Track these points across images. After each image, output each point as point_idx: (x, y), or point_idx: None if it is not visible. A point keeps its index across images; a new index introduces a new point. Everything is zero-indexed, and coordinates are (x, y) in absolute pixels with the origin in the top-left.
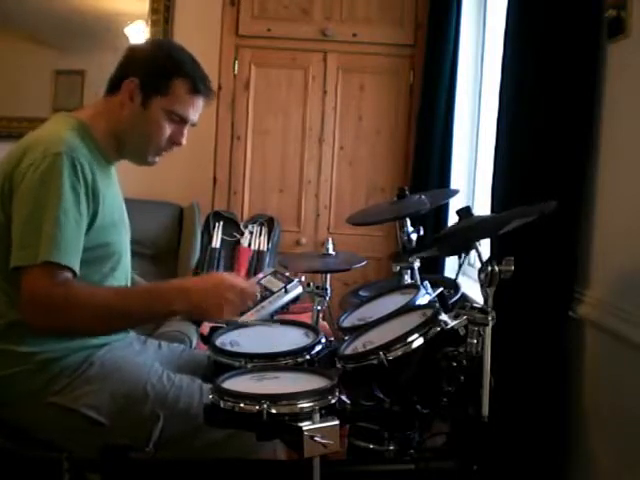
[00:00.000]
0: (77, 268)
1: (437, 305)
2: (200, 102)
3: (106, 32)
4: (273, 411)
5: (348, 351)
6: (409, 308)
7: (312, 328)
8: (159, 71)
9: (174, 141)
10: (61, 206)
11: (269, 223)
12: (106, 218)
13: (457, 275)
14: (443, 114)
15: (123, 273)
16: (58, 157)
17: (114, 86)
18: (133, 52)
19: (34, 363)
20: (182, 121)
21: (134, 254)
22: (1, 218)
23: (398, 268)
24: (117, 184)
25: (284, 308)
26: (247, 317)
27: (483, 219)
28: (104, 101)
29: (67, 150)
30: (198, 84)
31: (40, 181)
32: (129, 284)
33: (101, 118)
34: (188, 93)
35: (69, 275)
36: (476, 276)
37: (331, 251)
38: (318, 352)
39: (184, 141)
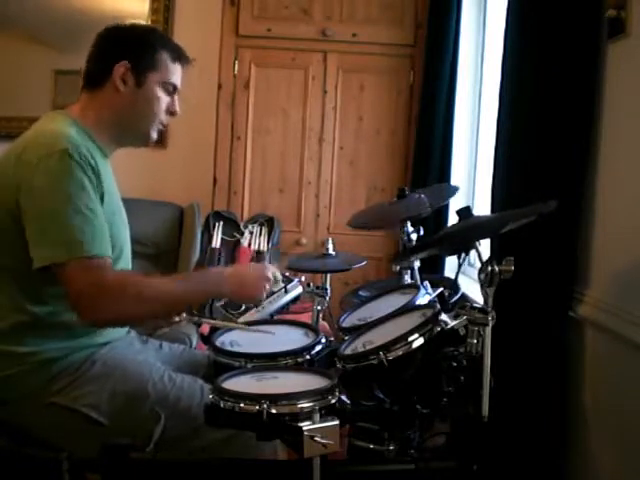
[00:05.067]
0: (110, 254)
1: (437, 305)
2: (180, 70)
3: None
4: (273, 411)
5: (348, 351)
6: (409, 308)
7: (312, 328)
8: (145, 48)
9: (171, 111)
10: (82, 199)
11: (269, 223)
12: (107, 211)
13: (457, 275)
14: (443, 114)
15: (125, 266)
16: (65, 153)
17: (97, 77)
18: (110, 39)
19: (35, 363)
20: (174, 90)
21: (135, 254)
22: (7, 220)
23: (398, 268)
24: (113, 179)
25: (284, 308)
26: (247, 317)
27: (483, 219)
28: (89, 95)
29: (72, 145)
30: (178, 52)
31: (52, 179)
32: None
33: (90, 112)
34: (172, 62)
35: (109, 263)
36: (476, 276)
37: (331, 251)
38: (318, 352)
39: (179, 109)
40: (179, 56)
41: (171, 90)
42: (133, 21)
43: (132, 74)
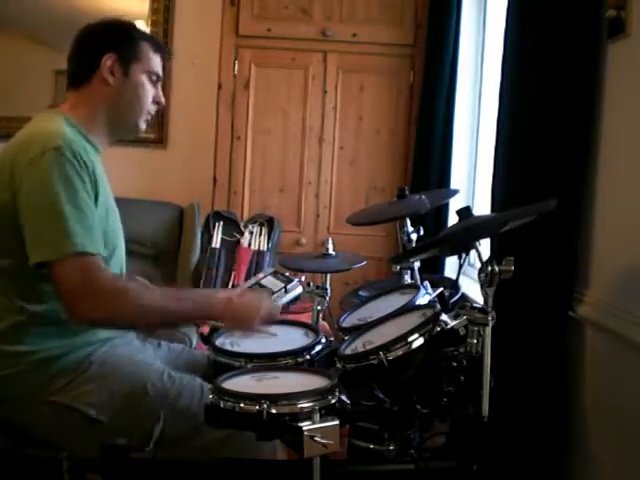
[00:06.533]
0: (103, 252)
1: (437, 305)
2: (160, 60)
3: None
4: (273, 411)
5: (348, 351)
6: (409, 308)
7: (312, 328)
8: (128, 39)
9: (157, 101)
10: (74, 197)
11: (269, 223)
12: (102, 207)
13: (458, 275)
14: (443, 114)
15: (118, 264)
16: (58, 150)
17: (83, 74)
18: (91, 35)
19: (33, 362)
20: (158, 80)
21: (134, 254)
22: (3, 221)
23: (398, 268)
24: (105, 177)
25: (284, 308)
26: None
27: (483, 219)
28: (76, 93)
29: (65, 142)
30: (157, 43)
31: (46, 176)
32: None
33: (80, 108)
34: (153, 52)
35: (100, 260)
36: (476, 276)
37: (331, 251)
38: (318, 352)
39: (164, 100)
40: (158, 46)
41: (155, 80)
42: (135, 22)
43: (119, 65)
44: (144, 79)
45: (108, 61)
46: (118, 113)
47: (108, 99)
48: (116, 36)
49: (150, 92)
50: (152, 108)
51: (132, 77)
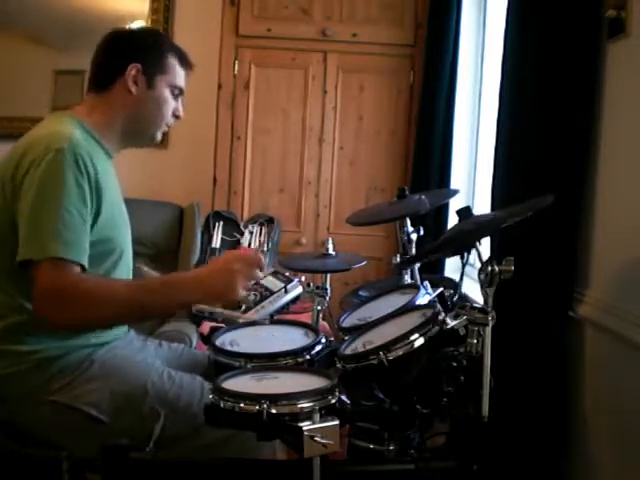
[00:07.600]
0: (85, 262)
1: (437, 305)
2: (184, 74)
3: (106, 32)
4: (273, 411)
5: (348, 351)
6: (409, 308)
7: (312, 328)
8: (156, 51)
9: (177, 115)
10: (65, 200)
11: (269, 223)
12: (108, 213)
13: (461, 276)
14: (443, 114)
15: (125, 269)
16: (60, 152)
17: (106, 79)
18: (120, 42)
19: (34, 361)
20: (180, 94)
21: (134, 254)
22: (6, 221)
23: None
24: (116, 180)
25: (284, 308)
26: (247, 317)
27: (482, 219)
28: (96, 97)
29: (69, 145)
30: (184, 57)
31: (43, 176)
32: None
33: (98, 113)
34: (179, 66)
35: (78, 269)
36: (476, 276)
37: (331, 251)
38: (318, 352)
39: (182, 114)
40: (185, 61)
41: (177, 93)
42: (134, 21)
43: (143, 76)
44: (167, 92)
45: (133, 70)
46: (136, 123)
47: (128, 108)
48: (145, 46)
49: (171, 105)
50: (171, 121)
51: (155, 89)
